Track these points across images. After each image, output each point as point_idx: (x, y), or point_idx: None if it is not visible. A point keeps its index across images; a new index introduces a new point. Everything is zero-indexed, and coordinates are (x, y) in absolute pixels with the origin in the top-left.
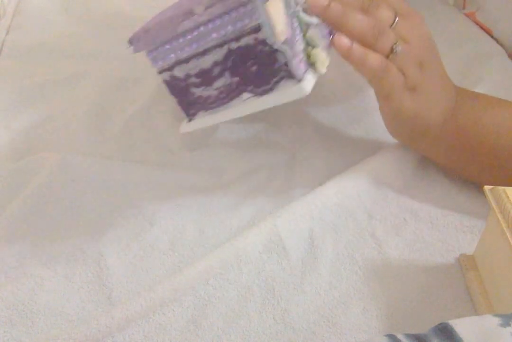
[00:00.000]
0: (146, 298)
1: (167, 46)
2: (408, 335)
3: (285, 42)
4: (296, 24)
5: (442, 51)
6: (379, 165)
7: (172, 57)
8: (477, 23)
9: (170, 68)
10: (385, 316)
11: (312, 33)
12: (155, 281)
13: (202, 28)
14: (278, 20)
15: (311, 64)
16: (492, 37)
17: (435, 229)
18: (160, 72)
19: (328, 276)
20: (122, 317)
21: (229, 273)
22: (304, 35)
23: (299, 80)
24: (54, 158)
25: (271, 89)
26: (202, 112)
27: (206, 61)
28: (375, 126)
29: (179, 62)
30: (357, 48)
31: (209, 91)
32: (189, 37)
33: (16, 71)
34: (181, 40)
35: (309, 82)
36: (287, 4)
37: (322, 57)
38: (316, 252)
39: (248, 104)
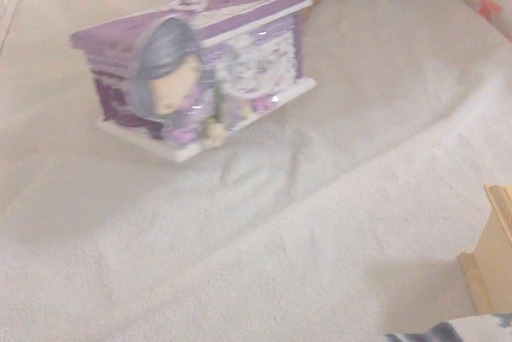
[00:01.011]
0: (147, 298)
1: (99, 57)
2: (408, 335)
3: (173, 113)
4: (208, 95)
5: (442, 47)
6: (381, 166)
7: (100, 67)
8: (485, 2)
9: (98, 74)
10: (385, 316)
11: (224, 106)
12: (156, 280)
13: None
14: (168, 95)
15: (204, 135)
16: (501, 15)
17: (436, 229)
18: (92, 70)
19: (329, 277)
20: (122, 317)
21: (230, 274)
22: (215, 106)
23: (177, 148)
24: (54, 158)
25: (160, 138)
26: (114, 121)
27: (123, 85)
28: (377, 126)
29: (104, 74)
30: None
31: (122, 108)
32: (110, 60)
33: (16, 71)
34: (106, 58)
35: (186, 152)
36: (205, 76)
37: (216, 132)
38: (317, 253)
39: (142, 139)
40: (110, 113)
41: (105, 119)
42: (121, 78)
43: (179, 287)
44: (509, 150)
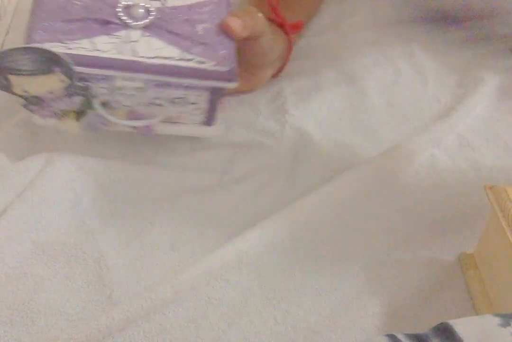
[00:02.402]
0: (147, 298)
1: None
2: (408, 335)
3: (31, 97)
4: (77, 99)
5: (442, 51)
6: (380, 165)
7: None
8: None
9: None
10: (385, 316)
11: (88, 115)
12: (156, 280)
13: None
14: (26, 88)
15: (60, 120)
16: None
17: (436, 228)
18: None
19: (329, 277)
20: (122, 318)
21: (230, 274)
22: (80, 109)
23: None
24: (54, 158)
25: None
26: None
27: None
28: (376, 126)
29: None
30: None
31: None
32: None
33: None
34: None
35: (42, 121)
36: (76, 87)
37: (70, 124)
38: (317, 253)
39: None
40: None
41: None
42: None
43: (179, 287)
44: (509, 150)
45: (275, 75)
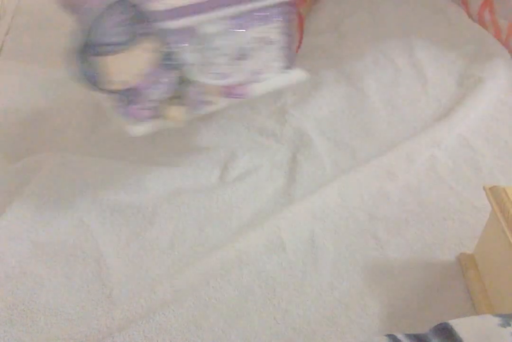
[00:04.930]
0: (147, 298)
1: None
2: (408, 335)
3: (127, 89)
4: (171, 76)
5: (442, 51)
6: (381, 166)
7: None
8: None
9: None
10: (385, 316)
11: (188, 89)
12: (155, 280)
13: None
14: (117, 72)
15: (163, 114)
16: (508, 3)
17: (436, 229)
18: None
19: (329, 277)
20: (122, 318)
21: (229, 274)
22: (178, 88)
23: (133, 123)
24: (54, 158)
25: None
26: None
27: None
28: (376, 126)
29: None
30: None
31: None
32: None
33: (16, 71)
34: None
35: (142, 128)
36: (167, 57)
37: (175, 113)
38: (317, 253)
39: (110, 106)
40: None
41: None
42: None
43: (179, 287)
44: (509, 150)
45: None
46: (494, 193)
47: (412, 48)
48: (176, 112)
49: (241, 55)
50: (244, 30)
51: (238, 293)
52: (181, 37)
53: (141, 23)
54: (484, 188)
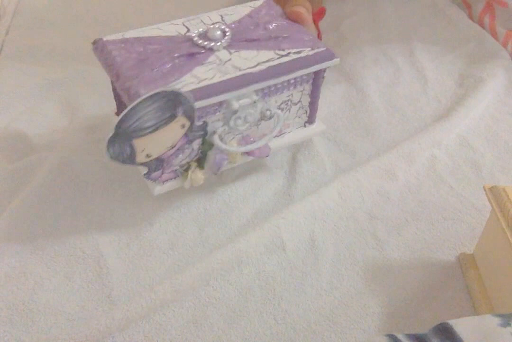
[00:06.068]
0: (147, 298)
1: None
2: (408, 335)
3: (153, 159)
4: (196, 143)
5: (442, 51)
6: (381, 166)
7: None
8: (489, 1)
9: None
10: (385, 316)
11: (210, 155)
12: (155, 280)
13: None
14: (150, 148)
15: (184, 176)
16: (507, 9)
17: (436, 229)
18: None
19: (329, 277)
20: (122, 318)
21: (229, 274)
22: (202, 153)
23: (155, 185)
24: (54, 158)
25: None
26: None
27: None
28: (376, 126)
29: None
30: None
31: None
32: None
33: (16, 71)
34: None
35: (162, 188)
36: (195, 129)
37: (196, 176)
38: (317, 253)
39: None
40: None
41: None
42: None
43: (179, 287)
44: (509, 150)
45: None
46: (494, 193)
47: (412, 48)
48: (197, 175)
49: (265, 118)
50: (271, 97)
51: (238, 293)
52: (210, 111)
53: (179, 106)
54: (484, 188)
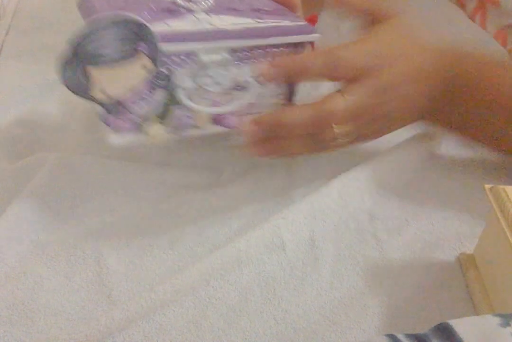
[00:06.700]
0: (147, 298)
1: None
2: (408, 335)
3: (112, 101)
4: (160, 94)
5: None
6: (381, 165)
7: None
8: (481, 0)
9: None
10: (385, 316)
11: (173, 110)
12: (155, 280)
13: None
14: (107, 84)
15: (143, 130)
16: (499, 7)
17: (436, 229)
18: None
19: (329, 277)
20: (122, 317)
21: (229, 274)
22: (164, 108)
23: (113, 132)
24: (54, 158)
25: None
26: None
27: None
28: None
29: None
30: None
31: None
32: None
33: (16, 71)
34: None
35: (121, 139)
36: (159, 77)
37: (155, 132)
38: (317, 253)
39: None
40: None
41: None
42: None
43: (179, 287)
44: None
45: None
46: (494, 192)
47: None
48: (158, 132)
49: (237, 87)
50: (247, 64)
51: (238, 293)
52: (177, 61)
53: (142, 42)
54: (484, 187)
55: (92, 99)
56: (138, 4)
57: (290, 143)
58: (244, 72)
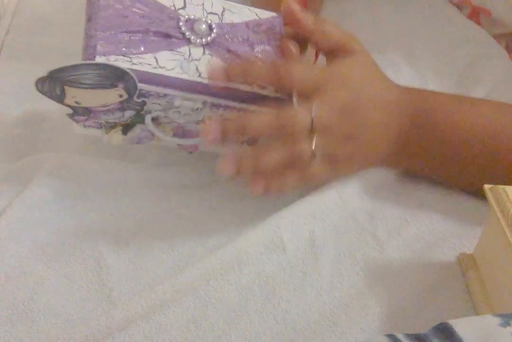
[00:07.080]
0: (147, 298)
1: None
2: (408, 335)
3: (81, 109)
4: (129, 113)
5: (442, 51)
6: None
7: None
8: (474, 9)
9: None
10: (385, 316)
11: (136, 129)
12: (155, 280)
13: None
14: (81, 100)
15: (105, 131)
16: (491, 17)
17: (436, 229)
18: None
19: (329, 277)
20: (122, 317)
21: (229, 274)
22: (130, 123)
23: (79, 124)
24: (54, 158)
25: None
26: None
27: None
28: None
29: None
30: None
31: None
32: None
33: (16, 71)
34: None
35: (82, 129)
36: (131, 103)
37: (114, 137)
38: (317, 253)
39: None
40: None
41: None
42: None
43: (179, 287)
44: None
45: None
46: (494, 193)
47: (412, 49)
48: (115, 139)
49: (201, 121)
50: (215, 111)
51: (238, 293)
52: (153, 95)
53: (122, 82)
54: (484, 187)
55: (65, 105)
56: (141, 17)
57: (278, 174)
58: (213, 115)
